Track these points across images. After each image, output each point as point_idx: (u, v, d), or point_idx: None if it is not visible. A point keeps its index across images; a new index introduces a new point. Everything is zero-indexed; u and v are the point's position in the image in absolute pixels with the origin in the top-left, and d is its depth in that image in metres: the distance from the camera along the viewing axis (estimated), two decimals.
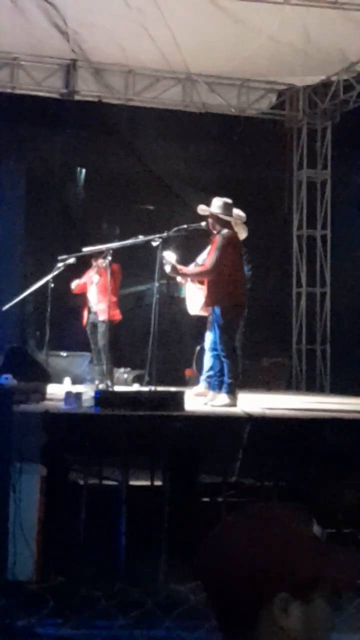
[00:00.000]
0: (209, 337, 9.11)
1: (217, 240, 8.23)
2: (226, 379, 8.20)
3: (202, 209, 8.48)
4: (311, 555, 1.71)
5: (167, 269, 8.62)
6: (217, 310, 8.19)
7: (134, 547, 6.04)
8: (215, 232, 8.36)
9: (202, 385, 8.92)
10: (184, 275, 8.54)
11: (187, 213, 10.60)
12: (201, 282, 8.42)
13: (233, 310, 8.25)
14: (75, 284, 10.76)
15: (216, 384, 8.72)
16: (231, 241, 8.27)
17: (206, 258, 8.39)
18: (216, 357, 8.58)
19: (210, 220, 8.40)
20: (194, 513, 6.15)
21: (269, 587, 1.68)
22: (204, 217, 8.55)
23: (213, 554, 1.74)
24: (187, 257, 9.36)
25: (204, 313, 9.14)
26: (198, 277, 8.37)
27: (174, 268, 8.48)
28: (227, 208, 8.41)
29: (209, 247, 8.45)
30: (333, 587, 1.73)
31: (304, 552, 1.71)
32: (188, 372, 11.55)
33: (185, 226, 9.28)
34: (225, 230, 8.30)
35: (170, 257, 8.63)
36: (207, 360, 8.97)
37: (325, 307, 13.94)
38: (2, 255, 12.78)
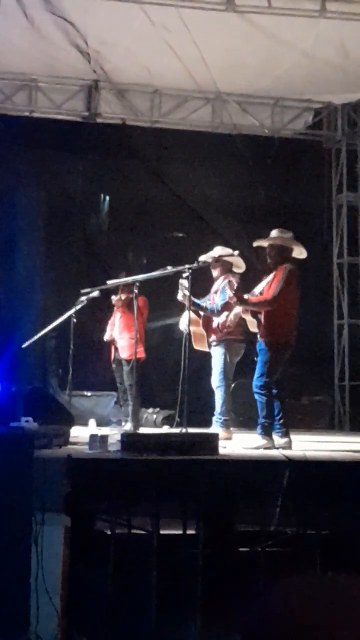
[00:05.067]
0: (214, 376, 9.18)
1: (282, 271, 8.21)
2: (261, 419, 8.17)
3: (273, 235, 8.48)
4: None
5: (229, 293, 8.59)
6: (264, 344, 8.17)
7: (166, 603, 5.99)
8: (273, 262, 8.33)
9: (218, 428, 8.97)
10: (245, 302, 8.42)
11: (218, 241, 10.61)
12: (253, 313, 8.35)
13: (281, 348, 8.23)
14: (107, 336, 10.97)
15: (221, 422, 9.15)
16: (295, 276, 8.32)
17: (266, 287, 8.32)
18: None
19: (271, 250, 8.37)
20: (230, 564, 6.11)
21: None
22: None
23: (263, 622, 1.73)
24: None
25: (206, 349, 9.19)
26: (257, 308, 8.32)
27: (237, 294, 8.37)
28: (292, 240, 8.49)
29: (269, 278, 8.35)
30: None
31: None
32: None
33: (216, 255, 9.32)
34: (289, 264, 8.33)
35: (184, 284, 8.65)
36: (218, 399, 9.09)
37: None
38: (22, 288, 12.84)
